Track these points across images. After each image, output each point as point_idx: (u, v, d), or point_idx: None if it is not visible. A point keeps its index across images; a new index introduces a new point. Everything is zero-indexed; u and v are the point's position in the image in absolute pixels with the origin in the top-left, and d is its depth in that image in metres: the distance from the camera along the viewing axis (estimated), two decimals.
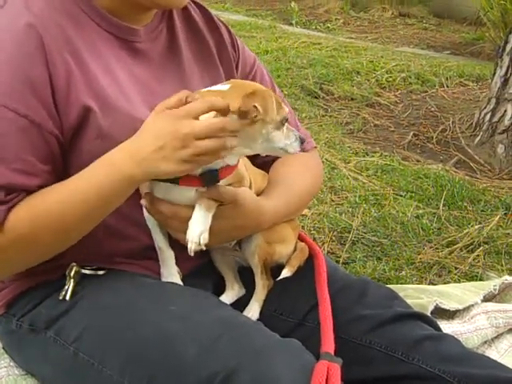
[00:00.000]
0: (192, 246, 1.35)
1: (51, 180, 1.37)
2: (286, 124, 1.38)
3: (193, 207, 1.37)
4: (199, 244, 1.35)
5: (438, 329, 1.57)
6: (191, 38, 1.62)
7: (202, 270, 1.59)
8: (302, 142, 1.41)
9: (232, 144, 1.30)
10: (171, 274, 1.49)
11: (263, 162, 1.67)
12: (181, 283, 1.49)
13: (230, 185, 1.42)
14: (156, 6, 1.47)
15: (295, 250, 1.63)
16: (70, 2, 1.42)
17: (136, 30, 1.50)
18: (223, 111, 1.28)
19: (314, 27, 7.82)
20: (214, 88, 1.39)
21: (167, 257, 1.49)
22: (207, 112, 1.28)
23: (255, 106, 1.29)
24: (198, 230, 1.35)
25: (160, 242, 1.48)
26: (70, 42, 1.38)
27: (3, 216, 1.31)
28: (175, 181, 1.36)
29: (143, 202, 1.43)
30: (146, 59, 1.51)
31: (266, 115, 1.31)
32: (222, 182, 1.40)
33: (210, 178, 1.37)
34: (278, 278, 1.58)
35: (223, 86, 1.39)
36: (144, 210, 1.46)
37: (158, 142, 1.27)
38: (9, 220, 1.32)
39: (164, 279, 1.49)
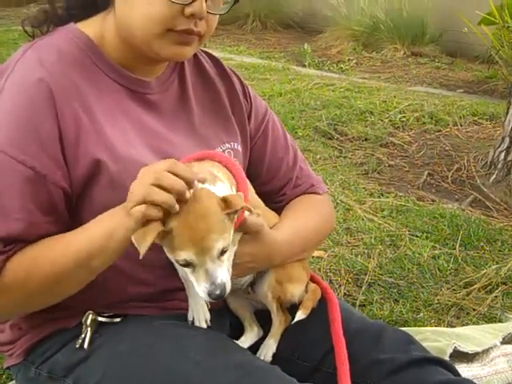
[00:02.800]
0: None
1: (54, 230, 1.40)
2: (208, 270, 1.26)
3: None
4: None
5: (457, 373, 1.56)
6: (203, 88, 1.66)
7: (220, 310, 1.60)
8: (211, 297, 1.26)
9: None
10: (197, 303, 1.50)
11: (277, 207, 1.70)
12: (208, 316, 1.49)
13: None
14: (161, 59, 1.51)
15: (307, 291, 1.64)
16: (82, 55, 1.46)
17: (147, 82, 1.54)
18: None
19: (327, 68, 7.89)
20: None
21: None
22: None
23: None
24: None
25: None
26: (80, 94, 1.41)
27: (0, 266, 1.34)
28: None
29: None
30: (157, 110, 1.55)
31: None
32: None
33: None
34: (293, 321, 1.58)
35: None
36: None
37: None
38: (6, 269, 1.35)
39: (191, 312, 1.50)
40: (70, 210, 1.42)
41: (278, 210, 1.69)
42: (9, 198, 1.34)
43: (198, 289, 1.27)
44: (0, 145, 1.34)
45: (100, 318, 1.49)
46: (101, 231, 1.33)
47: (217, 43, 8.93)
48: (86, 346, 1.45)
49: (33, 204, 1.35)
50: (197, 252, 1.25)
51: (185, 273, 1.32)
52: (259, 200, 1.59)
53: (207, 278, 1.26)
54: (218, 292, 1.25)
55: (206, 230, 1.25)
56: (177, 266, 1.44)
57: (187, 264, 1.26)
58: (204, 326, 1.49)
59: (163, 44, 1.43)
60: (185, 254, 1.25)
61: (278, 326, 1.59)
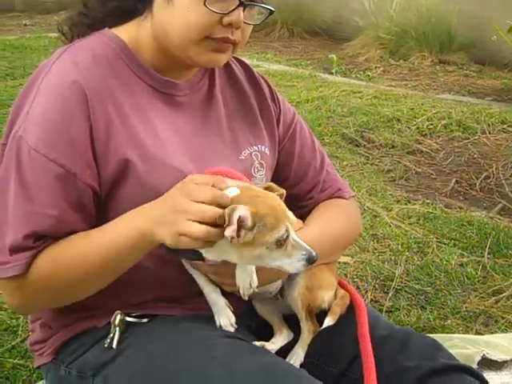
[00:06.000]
0: (245, 292, 1.41)
1: (82, 227, 1.43)
2: (294, 240, 1.32)
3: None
4: (250, 287, 1.41)
5: (485, 381, 1.53)
6: (232, 92, 1.68)
7: (245, 314, 1.61)
8: (311, 261, 1.33)
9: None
10: (219, 309, 1.51)
11: (304, 211, 1.70)
12: (233, 320, 1.50)
13: None
14: (196, 64, 1.53)
15: (336, 297, 1.64)
16: (116, 58, 1.50)
17: (177, 84, 1.56)
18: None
19: (354, 76, 7.86)
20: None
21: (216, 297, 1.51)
22: (210, 204, 1.27)
23: (238, 234, 1.26)
24: (246, 276, 1.40)
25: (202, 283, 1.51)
26: (113, 96, 1.45)
27: (29, 262, 1.38)
28: (200, 258, 1.39)
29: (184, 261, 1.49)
30: (186, 111, 1.57)
31: (254, 239, 1.28)
32: None
33: None
34: (321, 327, 1.58)
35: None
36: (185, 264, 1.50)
37: (162, 208, 1.33)
38: (33, 264, 1.38)
39: (217, 316, 1.51)
40: (98, 208, 1.45)
41: (305, 213, 1.70)
42: (40, 195, 1.38)
43: (293, 262, 1.32)
44: (34, 144, 1.38)
45: (128, 318, 1.50)
46: (129, 239, 1.36)
47: (244, 50, 8.94)
48: (114, 345, 1.47)
49: (63, 201, 1.39)
50: (286, 225, 1.31)
51: (271, 259, 1.32)
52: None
53: (300, 247, 1.32)
54: (314, 253, 1.32)
55: (279, 205, 1.33)
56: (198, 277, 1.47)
57: (280, 243, 1.30)
58: (231, 329, 1.49)
59: (199, 50, 1.46)
60: (279, 232, 1.29)
61: (306, 335, 1.59)
